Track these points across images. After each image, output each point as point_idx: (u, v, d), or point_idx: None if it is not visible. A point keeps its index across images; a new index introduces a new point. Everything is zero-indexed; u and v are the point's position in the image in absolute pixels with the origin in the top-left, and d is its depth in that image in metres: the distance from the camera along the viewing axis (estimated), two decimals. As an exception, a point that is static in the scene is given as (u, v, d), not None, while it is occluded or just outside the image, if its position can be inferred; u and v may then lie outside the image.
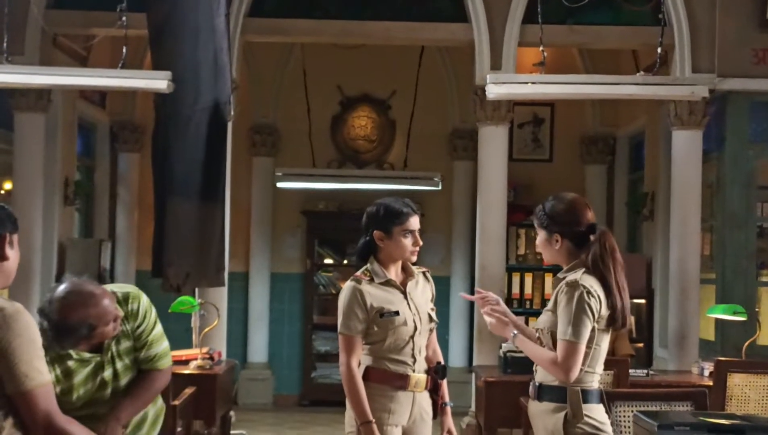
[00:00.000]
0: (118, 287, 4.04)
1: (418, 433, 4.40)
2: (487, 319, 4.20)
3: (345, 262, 11.87)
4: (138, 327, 3.96)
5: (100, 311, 3.76)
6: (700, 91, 8.14)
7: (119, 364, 3.94)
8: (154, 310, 4.06)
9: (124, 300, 3.95)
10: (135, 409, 3.99)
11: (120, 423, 3.91)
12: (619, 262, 4.01)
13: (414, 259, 4.45)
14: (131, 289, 4.03)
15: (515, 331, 4.11)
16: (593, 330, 3.90)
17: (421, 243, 4.44)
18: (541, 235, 4.14)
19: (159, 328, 4.06)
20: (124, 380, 3.95)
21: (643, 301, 10.12)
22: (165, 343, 4.08)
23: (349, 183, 11.22)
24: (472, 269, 9.82)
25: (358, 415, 4.24)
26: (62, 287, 3.76)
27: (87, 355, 3.86)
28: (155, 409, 4.20)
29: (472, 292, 9.54)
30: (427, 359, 4.49)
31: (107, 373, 3.90)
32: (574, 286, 3.89)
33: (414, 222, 4.40)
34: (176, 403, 6.30)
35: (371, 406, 4.24)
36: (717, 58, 8.54)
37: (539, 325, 4.08)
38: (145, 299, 4.02)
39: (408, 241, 4.38)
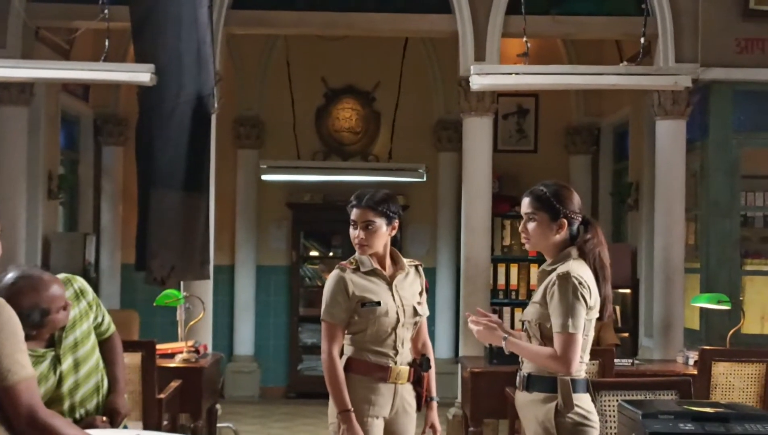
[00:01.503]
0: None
1: (400, 424, 4.40)
2: (473, 327, 4.09)
3: (331, 254, 11.85)
4: (92, 302, 4.14)
5: (51, 295, 3.78)
6: (683, 81, 8.15)
7: (80, 351, 3.99)
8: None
9: (65, 283, 4.06)
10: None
11: (124, 395, 4.23)
12: (607, 256, 4.01)
13: (362, 251, 4.39)
14: (66, 274, 4.18)
15: (505, 335, 4.00)
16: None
17: (359, 237, 4.37)
18: (539, 220, 3.98)
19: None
20: (84, 368, 3.99)
21: (628, 290, 10.13)
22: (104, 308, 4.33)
23: (334, 175, 11.21)
24: (458, 260, 9.82)
25: (337, 404, 4.25)
26: (10, 275, 3.76)
27: (41, 350, 3.87)
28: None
29: (458, 284, 9.58)
30: (417, 352, 4.50)
31: (66, 366, 3.93)
32: (566, 277, 3.84)
33: (354, 213, 4.39)
34: (162, 396, 6.29)
35: (353, 397, 4.25)
36: (700, 47, 8.55)
37: (526, 317, 4.03)
38: (79, 277, 4.20)
39: (352, 232, 4.40)
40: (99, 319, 4.19)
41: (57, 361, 3.89)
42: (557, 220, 3.96)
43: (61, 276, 4.09)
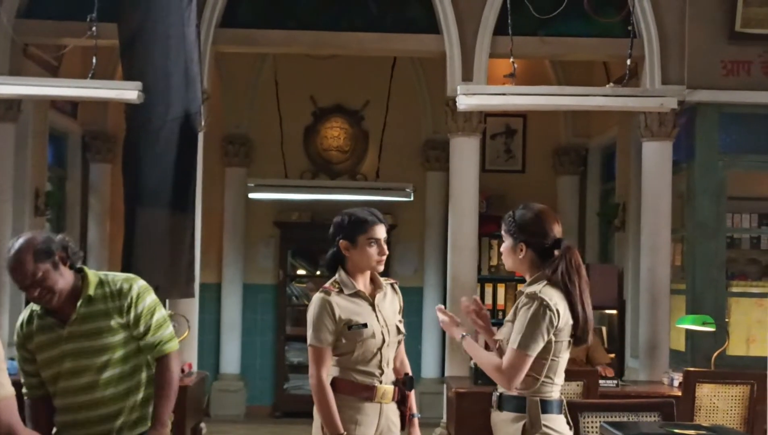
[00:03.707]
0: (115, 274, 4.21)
1: (385, 444, 4.40)
2: (440, 316, 4.28)
3: (318, 272, 11.84)
4: (130, 307, 4.06)
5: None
6: (669, 103, 8.17)
7: (86, 344, 4.02)
8: (151, 297, 4.15)
9: (108, 281, 4.11)
10: (168, 403, 4.10)
11: (165, 426, 4.08)
12: (584, 279, 4.04)
13: (380, 268, 4.44)
14: (128, 275, 4.23)
15: (464, 333, 4.15)
16: (551, 342, 3.91)
17: (386, 252, 4.42)
18: (506, 243, 4.15)
19: (160, 313, 4.16)
20: (85, 361, 4.01)
21: (614, 311, 10.15)
22: (169, 329, 4.19)
23: (322, 194, 11.21)
24: (445, 280, 9.82)
25: (329, 428, 4.22)
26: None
27: (50, 319, 4.06)
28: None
29: (445, 304, 9.59)
30: (395, 371, 4.49)
31: (69, 347, 4.04)
32: (532, 297, 3.93)
33: (379, 231, 4.38)
34: (145, 415, 6.25)
35: (339, 418, 4.23)
36: (687, 69, 8.59)
37: (499, 336, 4.11)
38: (139, 283, 4.14)
39: (373, 251, 4.37)
40: (134, 332, 4.10)
41: (62, 339, 4.03)
42: (518, 244, 4.10)
43: (123, 275, 4.22)
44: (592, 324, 4.06)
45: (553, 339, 3.91)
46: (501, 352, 4.06)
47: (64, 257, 4.03)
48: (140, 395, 4.13)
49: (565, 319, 3.94)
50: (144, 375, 4.15)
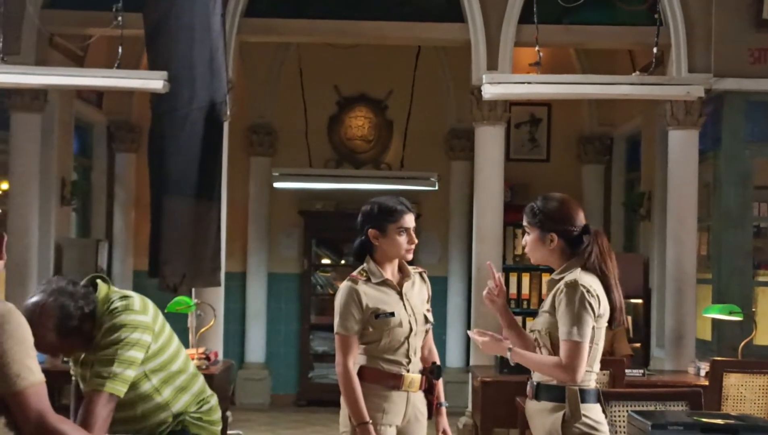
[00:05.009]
0: (121, 294, 3.82)
1: (412, 433, 4.39)
2: (479, 338, 4.11)
3: (342, 262, 11.85)
4: (101, 338, 3.70)
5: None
6: (695, 91, 8.14)
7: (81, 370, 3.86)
8: (117, 334, 3.67)
9: (107, 311, 3.73)
10: None
11: None
12: (614, 263, 4.01)
13: (409, 257, 4.43)
14: (126, 302, 3.77)
15: (510, 347, 4.03)
16: (593, 329, 3.88)
17: (416, 241, 4.41)
18: (533, 234, 4.07)
19: (113, 351, 3.66)
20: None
21: (640, 300, 10.11)
22: (116, 369, 3.64)
23: (346, 183, 11.23)
24: (470, 269, 9.82)
25: (355, 416, 4.22)
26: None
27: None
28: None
29: (469, 293, 9.58)
30: (423, 359, 4.48)
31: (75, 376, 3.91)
32: (574, 286, 3.86)
33: (409, 219, 4.38)
34: (172, 403, 6.27)
35: (365, 406, 4.24)
36: (713, 57, 8.54)
37: (536, 327, 4.04)
38: (120, 320, 3.70)
39: (403, 239, 4.36)
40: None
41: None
42: (548, 234, 4.02)
43: (124, 302, 3.75)
44: (623, 309, 4.04)
45: (594, 325, 3.88)
46: (538, 343, 4.01)
47: (84, 315, 3.69)
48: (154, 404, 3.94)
49: (605, 305, 3.92)
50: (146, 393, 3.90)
